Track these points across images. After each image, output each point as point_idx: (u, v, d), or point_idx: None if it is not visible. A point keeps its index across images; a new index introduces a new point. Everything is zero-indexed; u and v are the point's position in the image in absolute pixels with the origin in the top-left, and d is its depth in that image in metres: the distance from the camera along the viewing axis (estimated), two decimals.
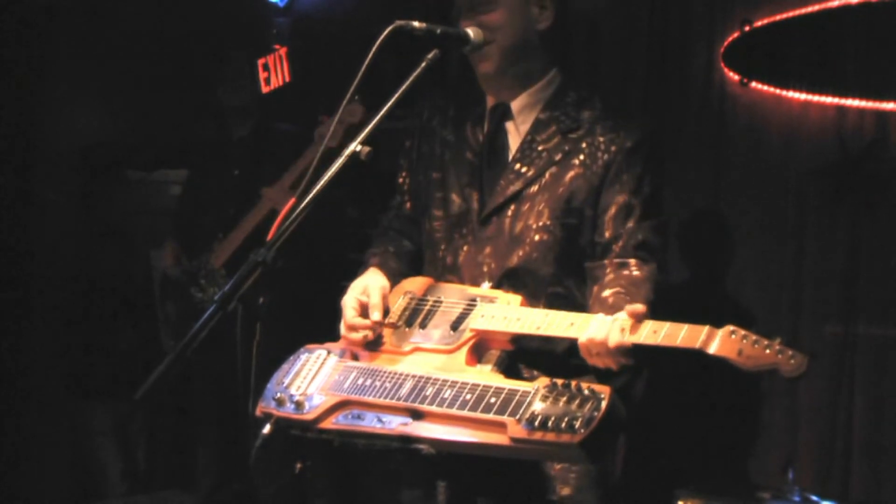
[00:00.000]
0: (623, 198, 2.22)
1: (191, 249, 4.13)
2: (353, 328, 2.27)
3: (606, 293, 2.13)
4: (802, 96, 3.76)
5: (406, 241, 2.52)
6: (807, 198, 3.77)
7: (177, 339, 4.24)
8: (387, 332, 2.29)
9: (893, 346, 3.59)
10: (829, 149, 3.71)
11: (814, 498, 3.07)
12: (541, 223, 2.24)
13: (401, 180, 2.56)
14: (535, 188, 2.26)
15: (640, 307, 1.94)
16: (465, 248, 2.32)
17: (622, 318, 1.95)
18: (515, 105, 2.34)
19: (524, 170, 2.28)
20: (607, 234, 2.23)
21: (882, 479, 3.57)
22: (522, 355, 2.20)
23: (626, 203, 2.22)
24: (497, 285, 2.25)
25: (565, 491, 2.22)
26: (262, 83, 4.98)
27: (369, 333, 2.26)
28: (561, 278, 2.25)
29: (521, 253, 2.25)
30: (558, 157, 2.26)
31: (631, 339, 1.92)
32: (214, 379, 3.91)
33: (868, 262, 3.64)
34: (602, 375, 2.02)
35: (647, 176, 2.24)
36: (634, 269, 2.18)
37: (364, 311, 2.28)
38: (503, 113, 2.36)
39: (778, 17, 3.77)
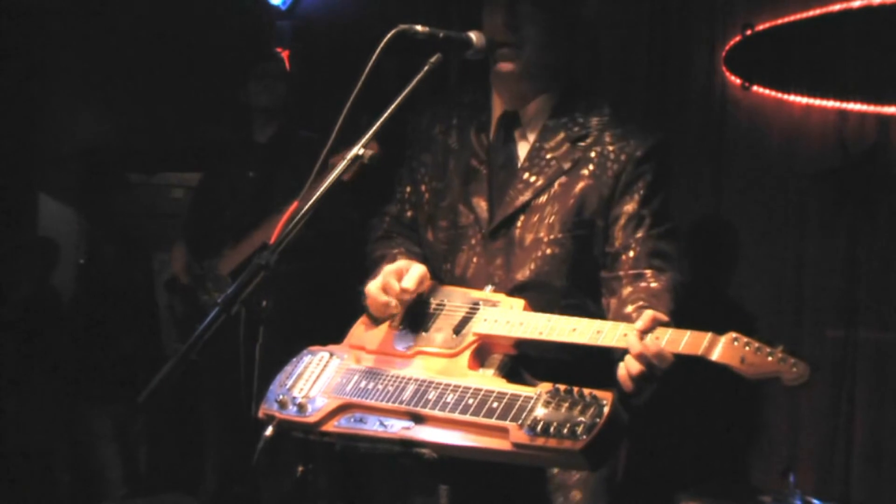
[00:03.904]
0: (632, 208, 2.20)
1: (199, 251, 4.09)
2: (385, 289, 2.20)
3: (629, 308, 2.09)
4: (804, 100, 3.77)
5: (415, 246, 2.45)
6: (808, 202, 3.78)
7: (184, 341, 4.22)
8: (389, 334, 2.27)
9: (894, 350, 3.59)
10: (831, 153, 3.71)
11: (815, 501, 3.08)
12: (552, 236, 2.21)
13: (400, 189, 2.51)
14: (544, 198, 2.23)
15: (662, 317, 1.92)
16: (475, 259, 2.28)
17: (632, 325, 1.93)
18: (524, 113, 2.31)
19: (532, 179, 2.24)
20: (617, 244, 2.20)
21: (883, 482, 3.57)
22: (529, 363, 2.18)
23: (636, 213, 2.19)
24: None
25: (577, 496, 2.21)
26: None
27: (393, 302, 2.20)
28: (574, 290, 2.23)
29: (532, 266, 2.22)
30: (567, 165, 2.23)
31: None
32: (217, 381, 3.91)
33: (869, 265, 3.65)
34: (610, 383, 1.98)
35: (657, 186, 2.22)
36: (652, 281, 2.15)
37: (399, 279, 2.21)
38: (511, 121, 2.32)
39: (779, 21, 3.78)
